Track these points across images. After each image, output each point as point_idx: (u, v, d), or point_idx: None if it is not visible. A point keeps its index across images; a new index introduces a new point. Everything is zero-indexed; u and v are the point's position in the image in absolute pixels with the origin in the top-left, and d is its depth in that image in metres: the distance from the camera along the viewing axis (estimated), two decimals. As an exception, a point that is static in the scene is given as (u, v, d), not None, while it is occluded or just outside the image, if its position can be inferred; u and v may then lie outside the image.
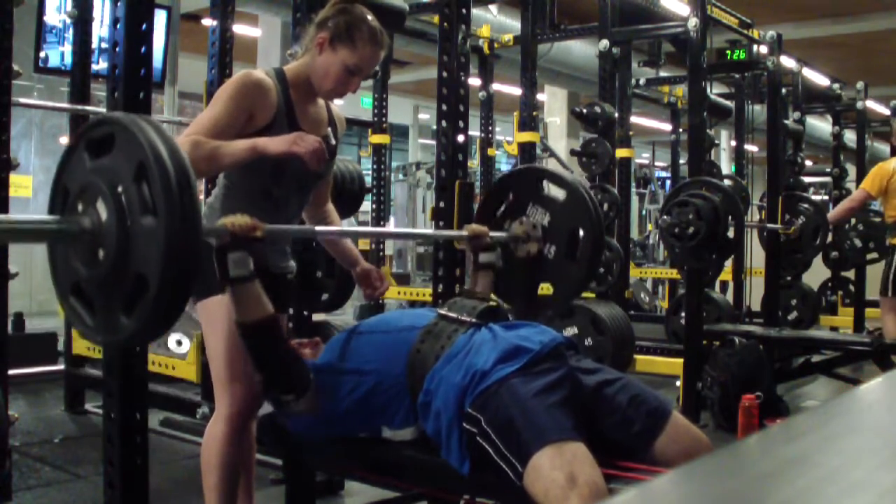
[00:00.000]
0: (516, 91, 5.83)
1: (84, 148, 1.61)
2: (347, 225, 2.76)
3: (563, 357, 1.96)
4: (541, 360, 1.91)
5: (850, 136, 7.74)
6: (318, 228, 2.50)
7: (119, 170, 1.53)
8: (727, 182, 5.77)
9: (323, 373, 2.07)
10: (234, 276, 1.89)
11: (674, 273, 7.83)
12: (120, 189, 1.51)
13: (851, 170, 7.71)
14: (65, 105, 4.59)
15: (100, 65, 4.56)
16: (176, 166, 1.48)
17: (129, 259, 1.50)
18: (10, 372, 3.18)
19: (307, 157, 2.06)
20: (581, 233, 2.47)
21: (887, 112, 8.15)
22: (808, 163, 9.97)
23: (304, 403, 2.04)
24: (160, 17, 5.56)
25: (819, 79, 7.76)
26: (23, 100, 4.64)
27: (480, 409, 1.83)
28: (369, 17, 2.22)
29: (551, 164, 9.12)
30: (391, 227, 10.89)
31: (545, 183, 2.55)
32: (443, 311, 2.11)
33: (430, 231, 3.05)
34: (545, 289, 2.62)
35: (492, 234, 2.45)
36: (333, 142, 2.38)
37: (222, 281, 1.91)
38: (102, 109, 3.19)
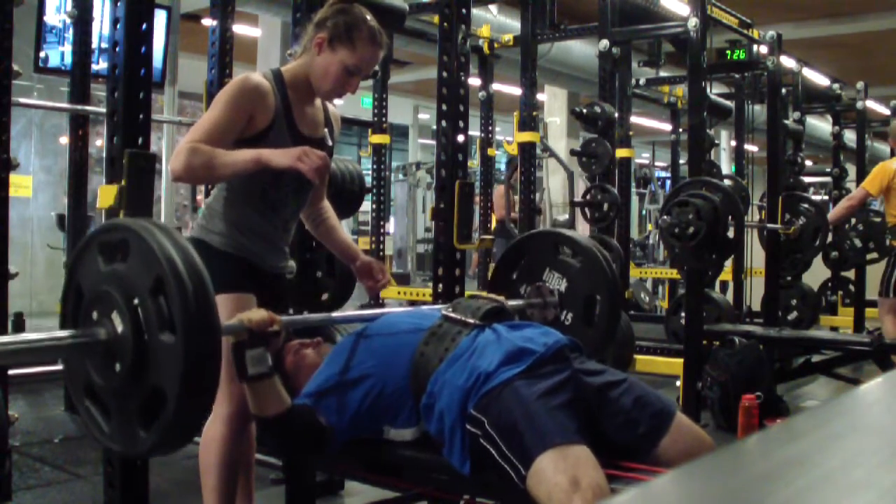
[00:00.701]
0: (516, 91, 5.83)
1: (97, 250, 1.59)
2: (345, 224, 2.76)
3: (567, 359, 1.96)
4: (545, 363, 1.91)
5: (850, 136, 7.74)
6: (334, 315, 2.48)
7: (135, 281, 1.50)
8: (727, 182, 5.77)
9: (331, 395, 2.05)
10: (253, 374, 1.87)
11: (674, 273, 7.83)
12: (136, 302, 1.49)
13: (851, 170, 7.71)
14: (65, 105, 4.59)
15: (100, 65, 4.56)
16: (194, 281, 1.46)
17: (146, 373, 1.49)
18: (10, 372, 3.18)
19: (310, 175, 2.06)
20: (598, 298, 2.43)
21: (887, 112, 8.15)
22: (808, 163, 9.98)
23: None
24: (160, 17, 5.55)
25: (819, 79, 7.76)
26: (23, 100, 4.63)
27: (484, 411, 1.83)
28: (368, 17, 2.22)
29: (551, 164, 9.13)
30: (391, 227, 10.90)
31: (562, 247, 2.52)
32: (447, 312, 2.10)
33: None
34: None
35: (509, 302, 2.36)
36: (330, 143, 2.38)
37: (240, 378, 1.88)
38: (102, 109, 3.19)
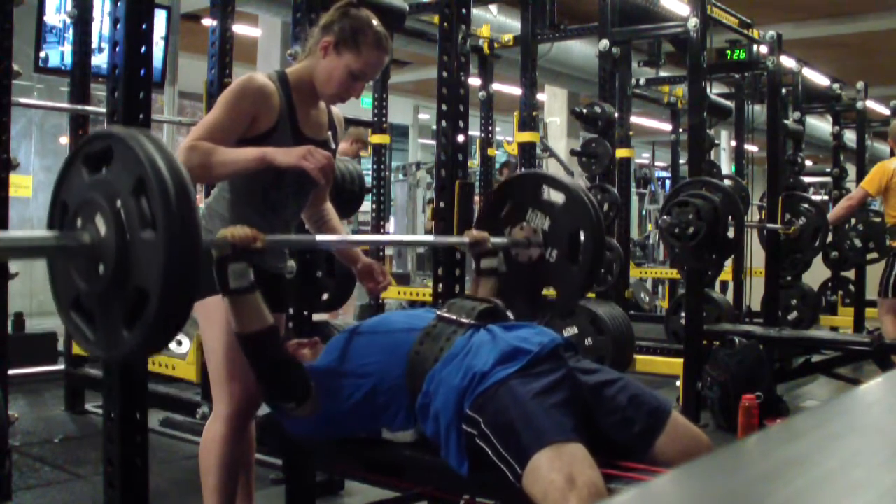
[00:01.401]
0: (516, 91, 5.83)
1: (82, 162, 1.61)
2: (345, 225, 2.75)
3: (562, 358, 1.96)
4: (540, 362, 1.91)
5: (850, 136, 7.74)
6: (318, 238, 2.50)
7: (117, 184, 1.52)
8: (727, 182, 5.77)
9: (323, 376, 2.07)
10: (235, 288, 1.89)
11: (674, 273, 7.83)
12: (119, 203, 1.51)
13: (851, 170, 7.71)
14: (65, 105, 4.58)
15: (99, 62, 4.56)
16: (175, 180, 1.48)
17: (129, 273, 1.50)
18: (10, 372, 3.18)
19: (315, 174, 2.06)
20: (582, 235, 2.47)
21: (887, 112, 8.15)
22: (808, 163, 9.97)
23: (305, 409, 2.04)
24: (160, 17, 5.55)
25: (819, 79, 7.76)
26: (23, 100, 4.63)
27: (479, 410, 1.83)
28: (374, 22, 2.21)
29: (552, 165, 9.12)
30: (391, 226, 10.88)
31: (545, 188, 2.55)
32: (442, 313, 2.11)
33: (430, 238, 3.05)
34: (547, 292, 2.62)
35: (493, 239, 2.44)
36: (334, 146, 2.38)
37: (222, 292, 1.90)
38: (102, 109, 3.19)
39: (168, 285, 1.46)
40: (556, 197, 2.53)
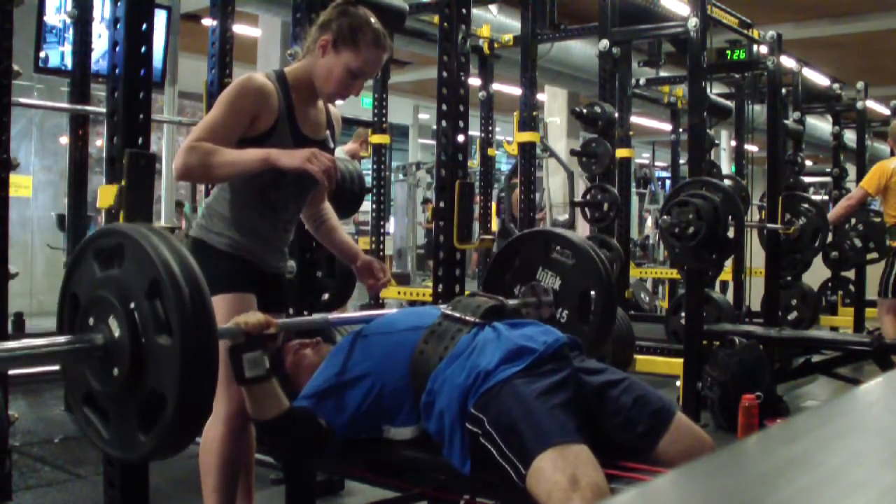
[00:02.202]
0: (516, 91, 5.83)
1: (92, 257, 1.59)
2: (343, 225, 2.74)
3: (567, 358, 1.96)
4: (545, 361, 1.90)
5: (850, 136, 7.74)
6: (331, 316, 2.41)
7: (131, 285, 1.50)
8: (727, 182, 5.77)
9: (329, 398, 2.04)
10: (251, 377, 1.86)
11: (674, 273, 7.83)
12: (132, 305, 1.49)
13: (851, 170, 7.71)
14: (65, 105, 4.59)
15: (100, 65, 4.56)
16: (189, 283, 1.46)
17: (144, 377, 1.48)
18: (10, 372, 3.18)
19: (319, 177, 2.06)
20: (592, 294, 2.44)
21: (887, 112, 8.15)
22: (808, 163, 9.98)
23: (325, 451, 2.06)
24: (160, 17, 5.55)
25: (819, 79, 7.76)
26: (23, 100, 4.63)
27: (483, 409, 1.83)
28: (373, 20, 2.21)
29: (551, 164, 9.12)
30: (391, 227, 10.89)
31: (554, 246, 2.52)
32: (446, 311, 2.10)
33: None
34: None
35: (505, 301, 2.34)
36: (332, 145, 2.38)
37: (238, 381, 1.88)
38: (102, 109, 3.19)
39: (185, 392, 1.44)
40: (566, 256, 2.50)
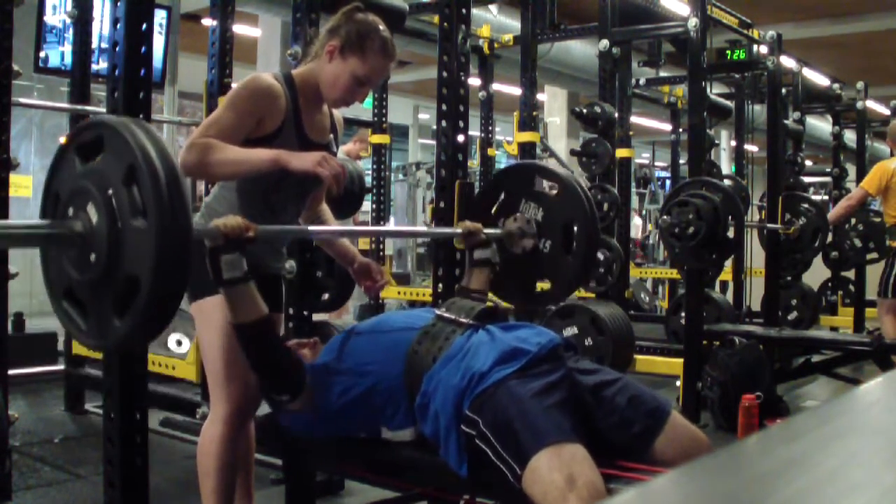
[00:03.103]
0: (516, 91, 5.83)
1: (74, 152, 1.61)
2: (343, 225, 2.75)
3: (561, 358, 1.96)
4: (539, 362, 1.91)
5: (850, 136, 7.74)
6: (311, 228, 2.49)
7: (109, 173, 1.53)
8: (727, 182, 5.77)
9: (320, 372, 2.07)
10: (228, 279, 1.90)
11: (674, 273, 7.82)
12: (110, 192, 1.52)
13: (851, 170, 7.71)
14: (65, 105, 4.58)
15: (100, 65, 4.56)
16: (165, 168, 1.48)
17: (120, 261, 1.51)
18: (10, 372, 3.18)
19: (329, 181, 2.06)
20: (575, 226, 2.47)
21: (887, 112, 8.15)
22: (808, 163, 9.97)
23: (299, 403, 2.05)
24: (160, 17, 5.55)
25: (819, 79, 7.76)
26: (23, 100, 4.63)
27: (478, 411, 1.83)
28: (381, 28, 2.21)
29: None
30: (390, 226, 10.87)
31: (538, 179, 2.56)
32: (441, 312, 2.11)
33: (425, 229, 3.07)
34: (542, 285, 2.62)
35: (486, 230, 2.45)
36: (335, 149, 2.38)
37: (216, 283, 1.91)
38: (102, 110, 3.19)
39: (159, 273, 1.47)
40: (550, 188, 2.54)
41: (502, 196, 2.61)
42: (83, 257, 1.55)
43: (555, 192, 2.52)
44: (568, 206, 2.48)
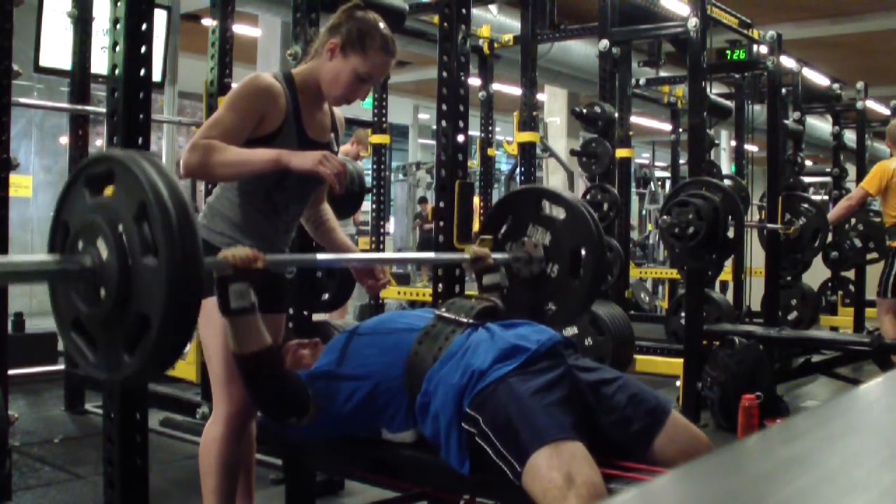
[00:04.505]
0: (516, 91, 5.83)
1: (83, 184, 1.60)
2: (343, 226, 2.75)
3: (561, 356, 1.96)
4: (539, 359, 1.91)
5: (850, 136, 7.75)
6: (319, 256, 2.49)
7: (119, 209, 1.52)
8: (727, 182, 5.77)
9: (322, 379, 2.06)
10: (236, 308, 1.89)
11: (674, 273, 7.83)
12: (120, 228, 1.51)
13: (851, 170, 7.71)
14: (65, 105, 4.58)
15: (100, 65, 4.55)
16: (176, 206, 1.48)
17: (130, 298, 1.50)
18: (10, 372, 3.18)
19: (331, 180, 2.06)
20: (583, 250, 2.46)
21: (887, 112, 8.15)
22: (808, 163, 9.97)
23: (306, 420, 2.04)
24: (160, 17, 5.55)
25: (819, 79, 7.77)
26: (23, 100, 4.64)
27: (479, 408, 1.83)
28: (381, 25, 2.21)
29: (551, 164, 9.12)
30: (391, 226, 10.89)
31: (545, 203, 2.54)
32: (440, 312, 2.11)
33: (431, 255, 3.07)
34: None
35: (494, 255, 2.42)
36: (336, 148, 2.38)
37: (223, 312, 1.90)
38: (102, 109, 3.18)
39: (170, 312, 1.46)
40: (557, 212, 2.52)
41: (509, 220, 2.59)
42: (92, 292, 1.54)
43: (562, 216, 2.50)
44: (575, 230, 2.46)
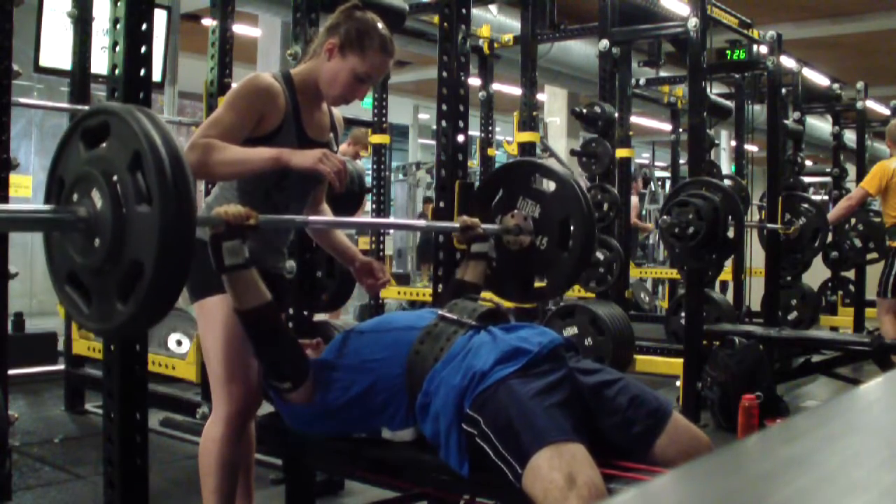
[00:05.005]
0: (516, 91, 5.83)
1: (79, 138, 1.62)
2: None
3: (562, 358, 1.96)
4: (540, 362, 1.91)
5: (850, 136, 7.75)
6: (311, 218, 2.49)
7: (114, 159, 1.54)
8: (727, 182, 5.77)
9: (321, 368, 2.08)
10: (230, 265, 1.91)
11: (674, 273, 7.82)
12: (115, 178, 1.53)
13: (851, 170, 7.71)
14: (65, 105, 4.58)
15: (100, 65, 4.55)
16: (170, 154, 1.49)
17: (124, 246, 1.52)
18: (10, 372, 3.18)
19: (331, 178, 2.06)
20: (572, 223, 2.49)
21: (887, 112, 8.15)
22: (808, 163, 9.97)
23: (301, 393, 2.05)
24: (160, 17, 5.55)
25: (819, 79, 7.77)
26: (23, 100, 4.63)
27: (479, 410, 1.83)
28: (380, 26, 2.21)
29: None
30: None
31: (536, 176, 2.57)
32: (443, 313, 2.11)
33: (422, 223, 3.09)
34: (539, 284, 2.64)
35: (484, 226, 2.48)
36: (335, 148, 2.38)
37: (218, 269, 1.92)
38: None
39: (162, 257, 1.48)
40: (548, 185, 2.55)
41: (500, 192, 2.63)
42: (87, 242, 1.56)
43: (552, 189, 2.53)
44: (564, 203, 2.50)
